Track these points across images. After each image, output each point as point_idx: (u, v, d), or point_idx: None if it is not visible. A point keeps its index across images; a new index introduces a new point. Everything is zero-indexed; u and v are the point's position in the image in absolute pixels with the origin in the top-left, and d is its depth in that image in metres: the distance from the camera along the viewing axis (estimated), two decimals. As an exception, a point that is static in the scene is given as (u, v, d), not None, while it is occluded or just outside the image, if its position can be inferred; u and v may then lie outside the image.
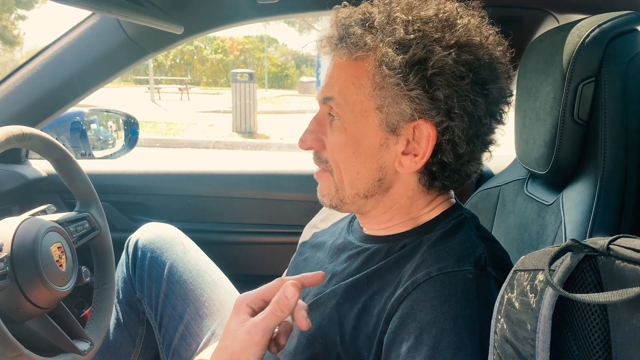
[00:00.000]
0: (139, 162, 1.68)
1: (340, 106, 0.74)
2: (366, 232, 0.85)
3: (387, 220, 0.80)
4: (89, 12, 1.25)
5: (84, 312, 1.49)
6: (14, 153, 1.43)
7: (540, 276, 0.55)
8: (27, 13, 20.80)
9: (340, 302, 0.77)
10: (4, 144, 0.91)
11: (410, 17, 0.70)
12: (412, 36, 0.68)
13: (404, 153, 0.74)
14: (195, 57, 29.93)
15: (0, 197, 1.32)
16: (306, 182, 1.48)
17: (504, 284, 0.61)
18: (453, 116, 0.70)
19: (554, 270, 0.53)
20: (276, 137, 9.64)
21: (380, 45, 0.69)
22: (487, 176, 1.43)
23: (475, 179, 1.46)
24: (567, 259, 0.53)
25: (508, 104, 0.76)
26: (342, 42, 0.73)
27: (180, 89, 17.75)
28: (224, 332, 0.73)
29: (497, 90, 0.73)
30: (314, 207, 1.11)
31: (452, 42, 0.69)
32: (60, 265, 0.97)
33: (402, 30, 0.69)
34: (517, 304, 0.58)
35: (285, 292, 0.68)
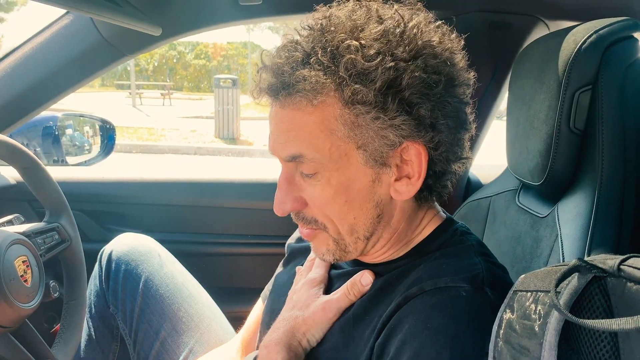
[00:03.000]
0: (116, 168, 1.61)
1: (314, 160, 0.65)
2: (359, 259, 0.79)
3: (383, 252, 0.75)
4: (62, 11, 1.19)
5: (54, 327, 1.41)
6: (-20, 160, 1.35)
7: (545, 298, 0.51)
8: (6, 16, 20.46)
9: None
10: None
11: (362, 41, 0.62)
12: (373, 61, 0.60)
13: (396, 180, 0.68)
14: (177, 62, 29.71)
15: (-36, 206, 1.25)
16: None
17: (503, 305, 0.57)
18: (440, 127, 0.65)
19: (559, 292, 0.49)
20: (259, 144, 9.57)
21: (343, 82, 0.61)
22: (475, 186, 1.39)
23: (463, 189, 1.42)
24: (573, 280, 0.49)
25: (469, 85, 0.70)
26: (292, 90, 0.63)
27: (162, 94, 17.58)
28: (288, 302, 0.80)
29: (464, 79, 0.68)
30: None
31: (414, 51, 0.63)
32: (25, 281, 0.90)
33: (360, 58, 0.61)
34: (518, 328, 0.53)
35: (362, 278, 0.72)
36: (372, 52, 0.62)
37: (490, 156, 1.61)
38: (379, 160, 0.66)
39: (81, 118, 1.89)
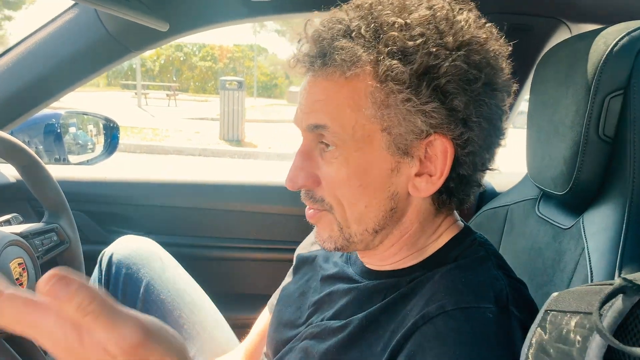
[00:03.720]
0: (119, 168, 1.57)
1: (336, 135, 0.63)
2: (368, 267, 0.75)
3: (393, 254, 0.70)
4: (67, 5, 1.15)
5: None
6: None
7: (584, 320, 0.46)
8: (14, 14, 20.57)
9: (333, 343, 0.68)
10: None
11: (408, 20, 0.60)
12: (416, 42, 0.58)
13: (417, 174, 0.64)
14: (184, 64, 29.81)
15: (-39, 205, 1.21)
16: (299, 195, 1.38)
17: (534, 326, 0.53)
18: (472, 125, 0.62)
19: (602, 315, 0.44)
20: (264, 146, 9.54)
21: (381, 57, 0.59)
22: (490, 194, 1.35)
23: (477, 197, 1.38)
24: (617, 302, 0.44)
25: (510, 94, 0.67)
26: (328, 59, 0.62)
27: (168, 95, 17.60)
28: None
29: (505, 85, 0.65)
30: (309, 223, 1.02)
31: (458, 42, 0.60)
32: (21, 284, 0.86)
33: (402, 37, 0.59)
34: (552, 351, 0.49)
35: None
36: (416, 32, 0.59)
37: (502, 163, 1.56)
38: (402, 148, 0.62)
39: (85, 116, 1.86)
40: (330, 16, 0.65)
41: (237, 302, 1.40)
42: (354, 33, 0.61)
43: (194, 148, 8.87)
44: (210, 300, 1.22)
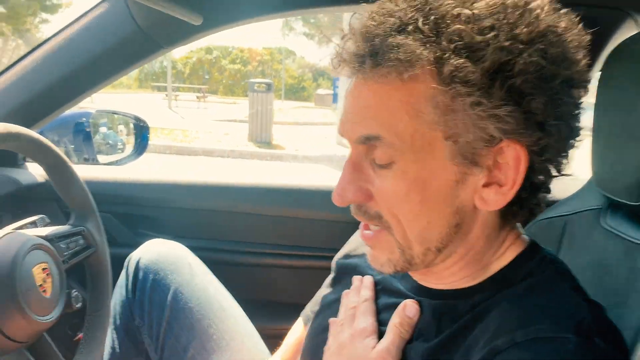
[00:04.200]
0: (148, 169, 1.52)
1: (392, 146, 0.55)
2: (420, 283, 0.67)
3: (453, 273, 0.62)
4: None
5: (77, 335, 1.33)
6: (10, 156, 1.29)
7: None
8: (51, 17, 21.16)
9: None
10: None
11: (475, 10, 0.51)
12: (485, 36, 0.50)
13: (484, 185, 0.56)
14: (213, 66, 30.22)
15: (-11, 204, 1.18)
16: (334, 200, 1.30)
17: None
18: (550, 128, 0.53)
19: None
20: (292, 148, 9.54)
21: (445, 55, 0.51)
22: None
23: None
24: None
25: (587, 90, 0.59)
26: (381, 59, 0.53)
27: (198, 97, 17.84)
28: (333, 355, 0.68)
29: (583, 80, 0.57)
30: (345, 229, 0.95)
31: (534, 34, 0.52)
32: (44, 291, 0.81)
33: (469, 30, 0.51)
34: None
35: (407, 311, 0.64)
36: (485, 24, 0.50)
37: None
38: (468, 157, 0.54)
39: (115, 116, 1.83)
40: (378, 8, 0.57)
41: (268, 310, 1.33)
42: (409, 27, 0.53)
43: (223, 150, 8.92)
44: (240, 309, 1.16)
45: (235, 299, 1.16)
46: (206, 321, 1.08)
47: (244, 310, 1.15)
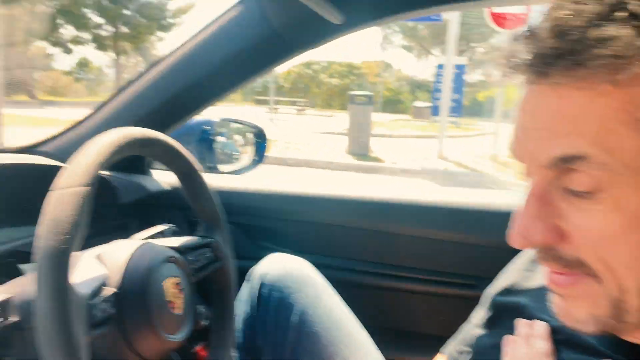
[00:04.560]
0: (261, 179, 1.47)
1: (603, 167, 0.42)
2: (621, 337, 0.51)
3: None
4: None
5: (194, 347, 1.30)
6: (137, 162, 1.29)
7: None
8: (166, 35, 22.98)
9: None
10: (124, 149, 0.72)
11: None
12: None
13: None
14: (312, 81, 31.00)
15: (118, 210, 1.17)
16: (489, 219, 1.13)
17: None
18: None
19: None
20: (389, 161, 9.42)
21: None
22: None
23: None
24: None
25: None
26: (582, 57, 0.41)
27: (297, 110, 18.37)
28: None
29: None
30: (496, 255, 0.81)
31: None
32: (173, 307, 0.76)
33: None
34: None
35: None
36: None
37: None
38: None
39: (232, 125, 1.83)
40: None
41: (399, 340, 1.20)
42: (619, 13, 0.40)
43: (323, 161, 9.00)
44: (368, 336, 1.05)
45: (361, 324, 1.05)
46: (333, 348, 0.99)
47: (371, 337, 1.04)
